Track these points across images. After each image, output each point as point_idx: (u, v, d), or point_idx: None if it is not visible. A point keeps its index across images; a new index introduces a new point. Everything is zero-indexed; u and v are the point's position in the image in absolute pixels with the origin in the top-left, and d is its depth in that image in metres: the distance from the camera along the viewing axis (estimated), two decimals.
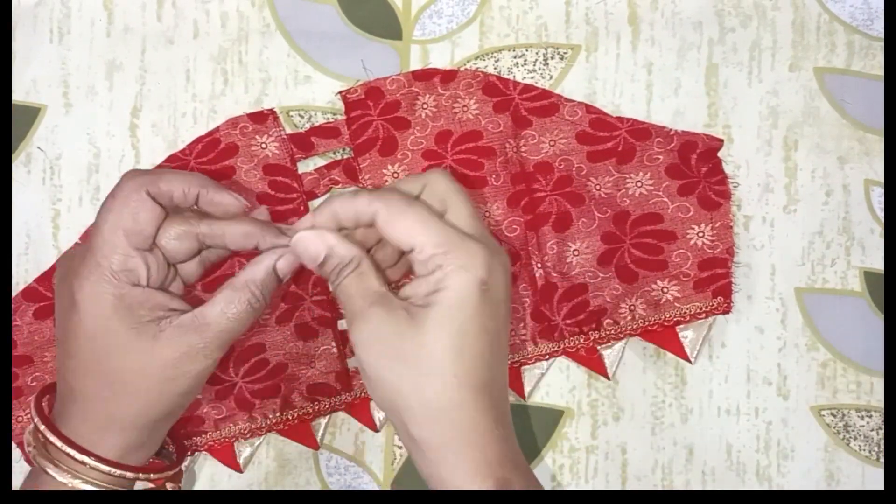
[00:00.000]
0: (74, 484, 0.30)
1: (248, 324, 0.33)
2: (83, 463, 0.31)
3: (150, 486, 0.32)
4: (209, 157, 0.44)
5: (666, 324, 0.43)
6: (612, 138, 0.44)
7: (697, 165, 0.44)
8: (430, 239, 0.32)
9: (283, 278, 0.35)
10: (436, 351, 0.31)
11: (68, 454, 0.31)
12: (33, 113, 0.46)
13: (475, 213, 0.35)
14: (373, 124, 0.45)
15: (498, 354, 0.34)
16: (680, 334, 0.43)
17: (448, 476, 0.32)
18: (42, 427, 0.31)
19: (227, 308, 0.32)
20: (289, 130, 0.45)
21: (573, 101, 0.45)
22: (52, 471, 0.31)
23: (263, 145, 0.44)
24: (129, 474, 0.32)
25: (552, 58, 0.46)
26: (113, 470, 0.31)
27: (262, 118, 0.45)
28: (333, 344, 0.44)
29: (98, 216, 0.32)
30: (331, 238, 0.33)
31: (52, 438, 0.31)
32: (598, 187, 0.44)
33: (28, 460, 0.37)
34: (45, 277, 0.44)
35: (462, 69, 0.45)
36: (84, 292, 0.30)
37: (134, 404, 0.31)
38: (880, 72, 0.45)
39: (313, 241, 0.33)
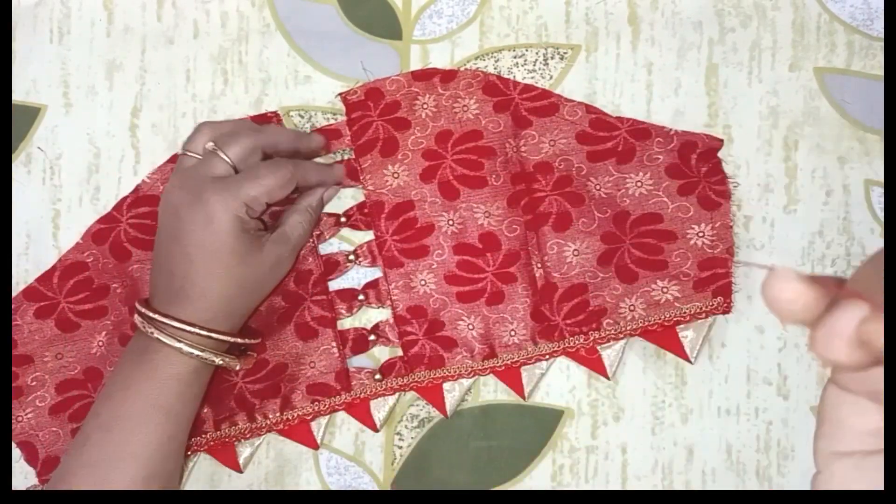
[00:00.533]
0: (181, 347, 0.39)
1: (308, 236, 0.44)
2: (193, 333, 0.39)
3: (232, 360, 0.42)
4: None
5: (666, 324, 0.43)
6: (612, 138, 0.44)
7: (697, 165, 0.44)
8: None
9: (325, 203, 0.46)
10: None
11: (179, 328, 0.39)
12: (33, 113, 0.46)
13: None
14: (373, 125, 0.45)
15: None
16: (680, 334, 0.43)
17: None
18: (151, 314, 0.40)
19: (296, 226, 0.43)
20: None
21: (573, 100, 0.45)
22: (163, 337, 0.39)
23: None
24: (239, 339, 0.42)
25: (552, 58, 0.46)
26: (216, 335, 0.40)
27: (266, 120, 0.45)
28: (333, 344, 0.44)
29: (257, 177, 0.40)
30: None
31: (165, 319, 0.39)
32: (598, 187, 0.44)
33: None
34: (46, 277, 0.45)
35: (462, 69, 0.45)
36: (223, 216, 0.39)
37: (243, 297, 0.42)
38: (880, 72, 0.45)
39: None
